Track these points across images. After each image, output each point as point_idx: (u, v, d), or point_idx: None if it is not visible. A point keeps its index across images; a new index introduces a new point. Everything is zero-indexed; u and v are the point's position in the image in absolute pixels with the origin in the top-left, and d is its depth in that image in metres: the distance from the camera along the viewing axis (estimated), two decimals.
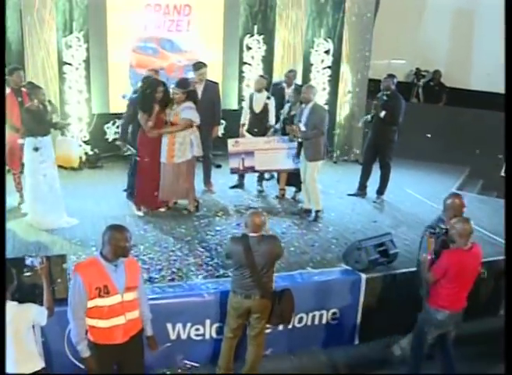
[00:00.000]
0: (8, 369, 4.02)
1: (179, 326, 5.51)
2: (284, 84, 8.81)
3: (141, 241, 6.71)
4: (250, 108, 8.55)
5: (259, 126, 8.49)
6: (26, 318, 4.04)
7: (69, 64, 9.21)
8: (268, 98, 8.51)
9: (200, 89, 8.14)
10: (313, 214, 7.76)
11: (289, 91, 8.49)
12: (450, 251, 5.08)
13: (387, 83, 8.30)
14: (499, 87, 11.28)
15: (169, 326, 5.48)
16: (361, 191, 8.78)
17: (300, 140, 7.69)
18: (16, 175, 7.52)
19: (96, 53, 9.37)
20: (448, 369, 5.46)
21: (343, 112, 10.67)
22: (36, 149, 6.71)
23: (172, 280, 5.88)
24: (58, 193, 7.03)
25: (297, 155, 7.83)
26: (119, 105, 8.78)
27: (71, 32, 9.13)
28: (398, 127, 8.33)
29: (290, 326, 5.87)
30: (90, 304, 4.16)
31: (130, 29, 9.60)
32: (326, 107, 10.36)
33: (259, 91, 8.51)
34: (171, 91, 7.40)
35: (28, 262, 4.34)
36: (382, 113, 8.20)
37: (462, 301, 5.21)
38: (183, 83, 7.47)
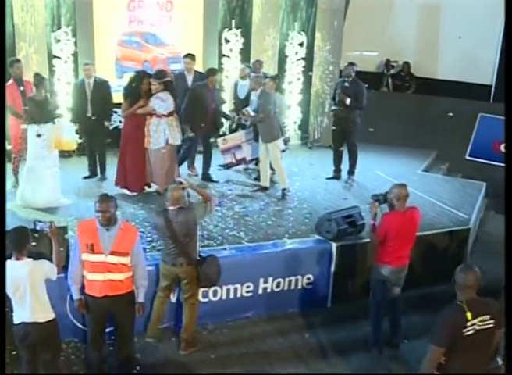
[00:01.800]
0: (25, 317, 4.59)
1: None
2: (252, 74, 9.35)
3: (132, 217, 7.24)
4: (235, 94, 9.20)
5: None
6: (41, 272, 4.58)
7: (58, 57, 9.63)
8: None
9: (189, 79, 8.81)
10: (280, 192, 8.26)
11: None
12: (388, 214, 5.68)
13: (348, 71, 8.86)
14: (464, 77, 12.07)
15: None
16: (337, 173, 9.25)
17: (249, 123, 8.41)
18: (16, 158, 7.99)
19: (83, 47, 9.77)
20: (395, 324, 6.00)
21: (316, 100, 11.19)
22: (38, 136, 7.22)
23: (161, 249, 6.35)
24: (56, 175, 7.53)
25: (255, 139, 8.45)
26: None
27: (59, 27, 9.55)
28: (360, 111, 8.89)
29: (269, 291, 6.43)
30: (83, 257, 4.86)
31: (115, 24, 10.05)
32: (300, 96, 11.03)
33: (243, 78, 9.19)
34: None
35: (38, 227, 4.81)
36: (348, 100, 8.70)
37: (403, 258, 5.74)
38: (158, 74, 7.90)
